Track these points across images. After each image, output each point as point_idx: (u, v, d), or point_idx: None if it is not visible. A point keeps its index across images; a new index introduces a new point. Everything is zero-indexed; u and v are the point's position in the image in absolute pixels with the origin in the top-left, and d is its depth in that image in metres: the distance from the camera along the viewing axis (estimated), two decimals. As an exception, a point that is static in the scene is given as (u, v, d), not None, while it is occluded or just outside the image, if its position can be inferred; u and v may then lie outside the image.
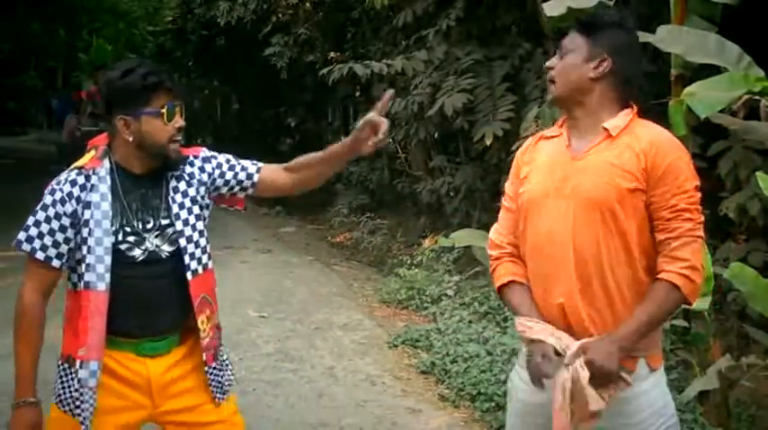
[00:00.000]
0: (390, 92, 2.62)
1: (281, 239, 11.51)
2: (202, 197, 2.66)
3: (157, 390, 2.57)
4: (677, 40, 4.24)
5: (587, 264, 2.35)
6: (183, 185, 2.61)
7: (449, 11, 8.85)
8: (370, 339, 6.46)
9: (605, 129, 2.39)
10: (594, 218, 2.34)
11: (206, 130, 23.52)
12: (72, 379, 2.49)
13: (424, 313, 7.15)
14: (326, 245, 11.46)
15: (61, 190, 2.48)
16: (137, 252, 2.51)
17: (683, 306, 2.55)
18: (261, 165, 2.77)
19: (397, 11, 9.66)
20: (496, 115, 7.92)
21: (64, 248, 2.48)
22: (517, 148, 7.98)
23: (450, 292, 7.27)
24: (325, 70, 9.28)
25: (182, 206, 2.59)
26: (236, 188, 2.73)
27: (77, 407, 2.47)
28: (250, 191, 2.75)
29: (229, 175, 2.71)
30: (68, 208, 2.46)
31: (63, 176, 2.51)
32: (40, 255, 2.46)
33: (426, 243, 8.89)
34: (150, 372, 2.55)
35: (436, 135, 9.69)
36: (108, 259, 2.45)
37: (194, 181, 2.64)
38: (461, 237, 7.77)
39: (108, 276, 2.45)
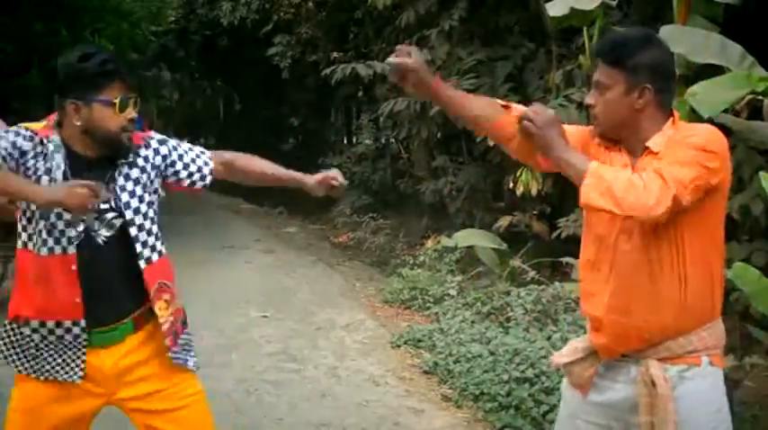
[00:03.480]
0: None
1: (284, 239, 11.51)
2: (152, 182, 2.64)
3: (112, 378, 2.57)
4: (680, 40, 4.23)
5: (628, 279, 2.35)
6: (135, 172, 2.59)
7: (451, 11, 8.85)
8: (372, 339, 6.46)
9: (647, 147, 2.34)
10: (642, 231, 2.31)
11: (209, 130, 23.54)
12: (25, 338, 2.51)
13: (426, 313, 7.14)
14: (329, 245, 11.47)
15: (30, 136, 2.44)
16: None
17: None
18: (210, 155, 2.82)
19: (399, 11, 9.66)
20: (499, 115, 7.90)
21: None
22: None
23: (452, 292, 7.26)
24: (327, 70, 9.28)
25: (132, 194, 2.56)
26: (196, 175, 2.76)
27: (37, 362, 2.53)
28: (208, 178, 2.79)
29: (188, 158, 2.75)
30: (25, 145, 2.42)
31: (29, 129, 2.47)
32: None
33: (429, 243, 8.88)
34: (103, 362, 2.55)
35: (439, 135, 9.69)
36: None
37: (148, 165, 2.63)
38: (464, 238, 7.80)
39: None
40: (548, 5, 5.07)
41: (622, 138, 2.41)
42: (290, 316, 7.12)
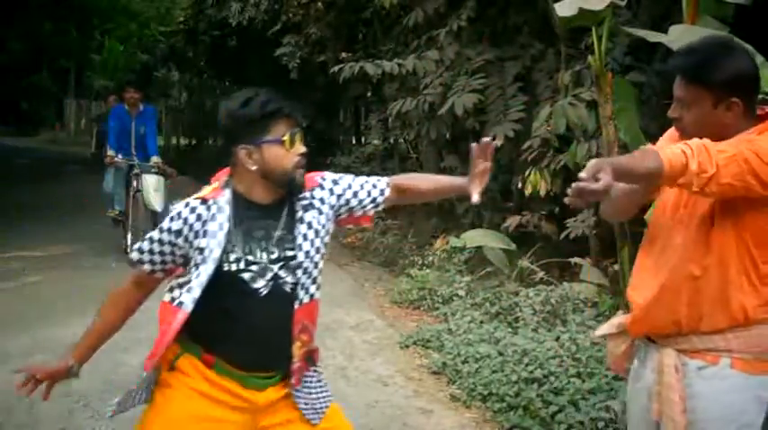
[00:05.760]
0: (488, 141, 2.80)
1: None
2: (325, 225, 2.65)
3: (261, 411, 2.60)
4: (689, 40, 4.21)
5: (675, 269, 2.38)
6: (309, 215, 2.60)
7: (460, 11, 8.83)
8: (381, 339, 6.47)
9: None
10: (698, 225, 2.34)
11: (218, 131, 23.60)
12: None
13: (435, 313, 7.14)
14: (338, 245, 11.46)
15: (179, 213, 2.51)
16: (260, 283, 2.50)
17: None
18: (386, 184, 2.85)
19: (407, 10, 9.66)
20: (507, 115, 7.91)
21: (159, 261, 2.55)
22: (528, 148, 7.93)
23: (461, 293, 7.26)
24: (336, 68, 9.27)
25: (305, 238, 2.57)
26: (369, 205, 2.79)
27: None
28: (381, 206, 2.83)
29: (363, 194, 2.78)
30: (174, 226, 2.49)
31: (186, 203, 2.55)
32: (147, 268, 2.56)
33: (438, 243, 8.88)
34: (258, 399, 2.58)
35: (448, 135, 9.68)
36: (204, 284, 2.46)
37: (324, 206, 2.65)
38: (472, 238, 7.79)
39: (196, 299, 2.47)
40: (556, 5, 5.06)
41: None
42: (299, 316, 7.12)
